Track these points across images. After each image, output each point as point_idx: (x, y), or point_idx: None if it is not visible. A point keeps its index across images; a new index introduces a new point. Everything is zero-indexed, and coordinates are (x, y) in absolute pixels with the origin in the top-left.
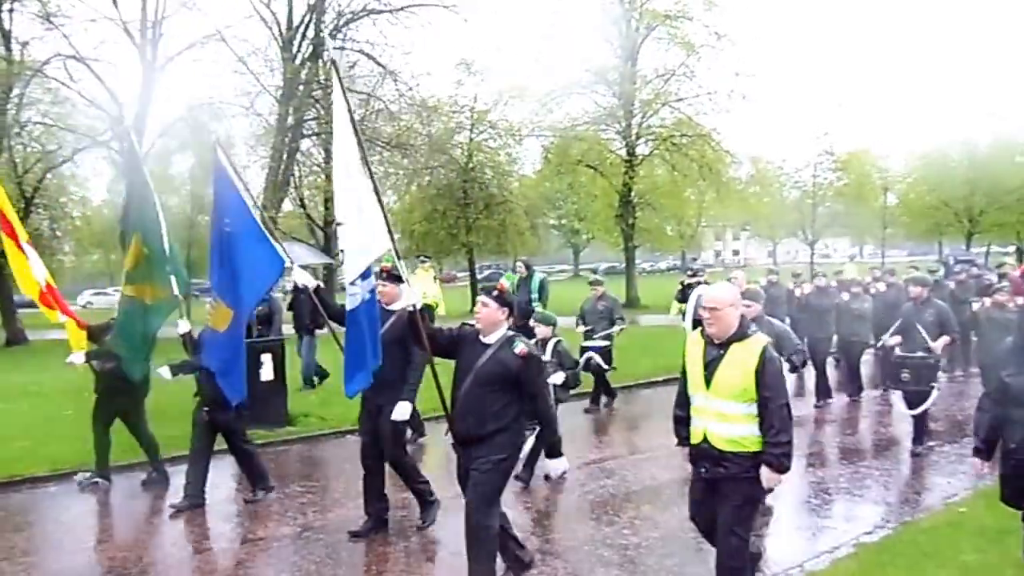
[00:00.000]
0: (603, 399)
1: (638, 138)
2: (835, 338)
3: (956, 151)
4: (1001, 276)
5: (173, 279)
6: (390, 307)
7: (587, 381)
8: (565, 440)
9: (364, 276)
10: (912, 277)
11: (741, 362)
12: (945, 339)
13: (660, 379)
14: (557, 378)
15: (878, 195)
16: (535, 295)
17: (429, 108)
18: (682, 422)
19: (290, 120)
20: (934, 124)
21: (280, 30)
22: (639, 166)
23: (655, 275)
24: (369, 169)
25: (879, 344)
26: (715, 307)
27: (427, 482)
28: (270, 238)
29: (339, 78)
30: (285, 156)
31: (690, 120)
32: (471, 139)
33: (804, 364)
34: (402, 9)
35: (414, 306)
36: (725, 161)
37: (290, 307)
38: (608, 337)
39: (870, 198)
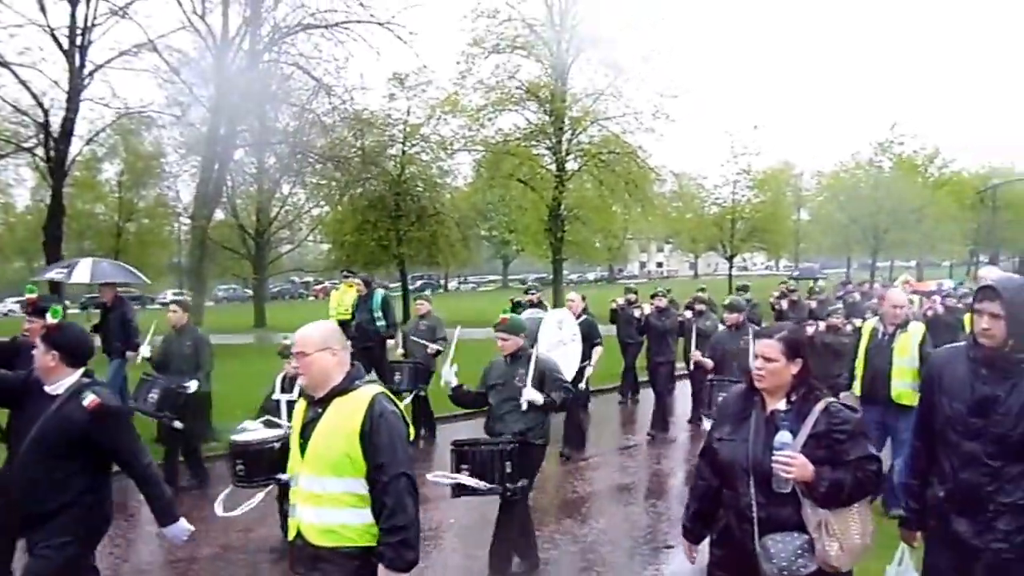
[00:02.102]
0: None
1: (567, 154)
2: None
3: (862, 172)
4: (864, 295)
5: None
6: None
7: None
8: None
9: None
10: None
11: (341, 422)
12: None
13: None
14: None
15: (792, 212)
16: (378, 313)
17: (362, 122)
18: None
19: (223, 131)
20: (843, 146)
21: (215, 42)
22: (568, 181)
23: (583, 286)
24: None
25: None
26: (302, 351)
27: None
28: None
29: None
30: (217, 166)
31: (617, 138)
32: (403, 152)
33: (563, 405)
34: (336, 25)
35: None
36: (650, 178)
37: (96, 328)
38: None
39: (785, 215)
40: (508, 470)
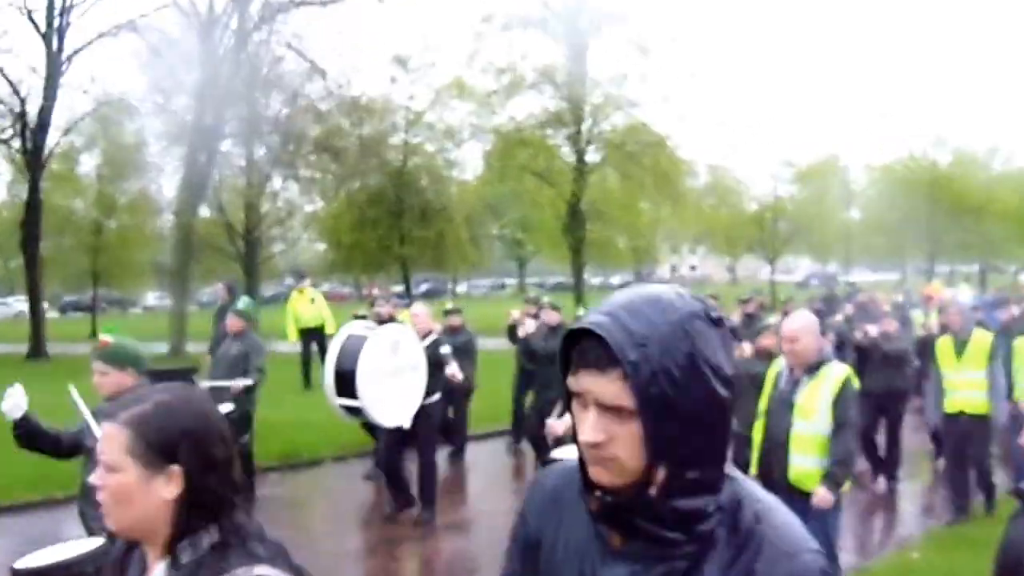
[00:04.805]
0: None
1: (588, 144)
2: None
3: (917, 166)
4: (861, 306)
5: None
6: None
7: None
8: None
9: None
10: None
11: None
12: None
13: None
14: None
15: (840, 210)
16: None
17: (360, 108)
18: None
19: (208, 119)
20: (896, 137)
21: (199, 20)
22: (589, 174)
23: (607, 291)
24: None
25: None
26: None
27: None
28: None
29: None
30: (203, 158)
31: (644, 126)
32: (406, 141)
33: None
34: (332, 1)
35: None
36: (681, 171)
37: None
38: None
39: (832, 213)
40: None
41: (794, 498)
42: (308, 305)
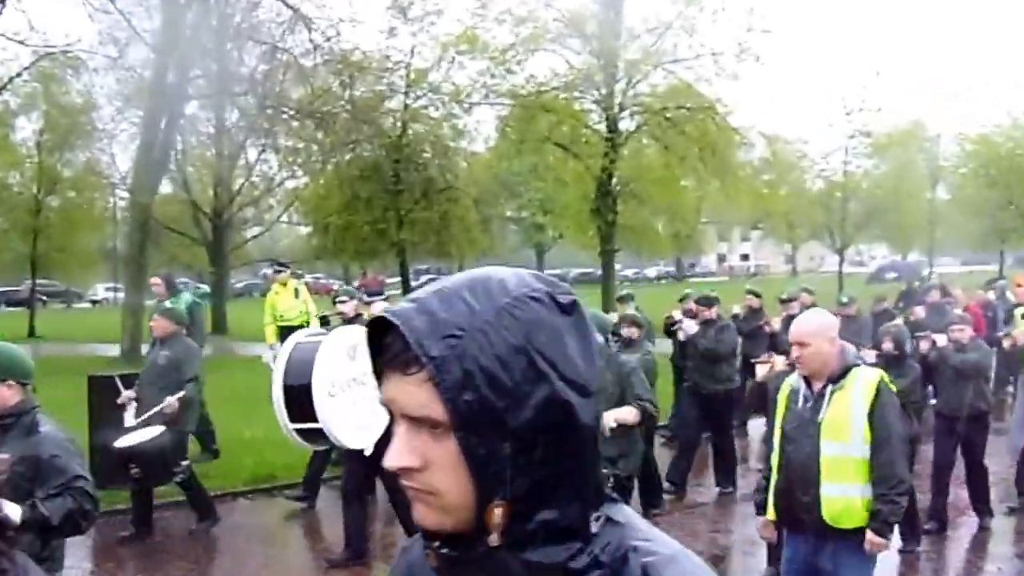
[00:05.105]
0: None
1: (622, 109)
2: None
3: (1021, 134)
4: (934, 305)
5: None
6: None
7: None
8: None
9: None
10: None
11: None
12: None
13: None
14: None
15: (925, 188)
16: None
17: (352, 65)
18: None
19: (171, 77)
20: (993, 100)
21: None
22: (623, 145)
23: (641, 285)
24: None
25: None
26: None
27: None
28: None
29: None
30: (164, 123)
31: (689, 87)
32: (406, 106)
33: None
34: None
35: None
36: (732, 141)
37: None
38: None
39: (915, 191)
40: None
41: (827, 540)
42: (291, 299)
